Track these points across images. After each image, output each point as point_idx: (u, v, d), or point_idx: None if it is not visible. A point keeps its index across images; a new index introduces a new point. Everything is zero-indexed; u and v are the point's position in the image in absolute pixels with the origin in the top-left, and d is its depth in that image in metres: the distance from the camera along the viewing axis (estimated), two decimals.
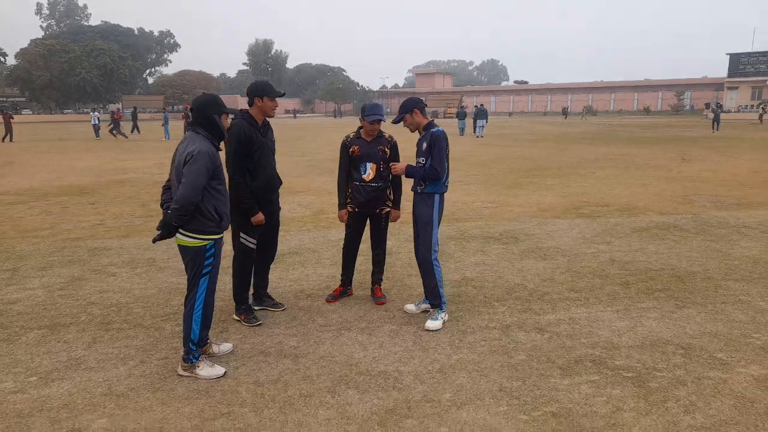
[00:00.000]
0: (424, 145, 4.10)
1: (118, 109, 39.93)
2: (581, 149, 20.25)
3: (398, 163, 4.27)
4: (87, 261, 6.04)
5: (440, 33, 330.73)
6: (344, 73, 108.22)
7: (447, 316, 4.24)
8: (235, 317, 4.32)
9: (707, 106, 67.50)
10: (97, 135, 30.19)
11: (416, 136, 4.34)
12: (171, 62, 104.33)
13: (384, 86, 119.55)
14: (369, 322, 4.28)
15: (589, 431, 2.81)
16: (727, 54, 69.59)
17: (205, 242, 3.33)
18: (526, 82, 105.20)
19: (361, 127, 4.52)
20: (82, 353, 3.77)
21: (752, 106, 51.86)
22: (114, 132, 29.81)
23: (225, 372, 3.44)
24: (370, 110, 4.41)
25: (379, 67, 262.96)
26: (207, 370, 3.42)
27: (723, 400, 3.10)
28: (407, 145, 5.46)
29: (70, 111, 79.44)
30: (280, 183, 4.43)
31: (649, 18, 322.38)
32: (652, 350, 3.74)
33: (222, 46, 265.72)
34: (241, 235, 4.20)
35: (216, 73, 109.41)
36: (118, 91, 78.81)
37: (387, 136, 4.59)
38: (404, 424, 2.91)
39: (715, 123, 32.53)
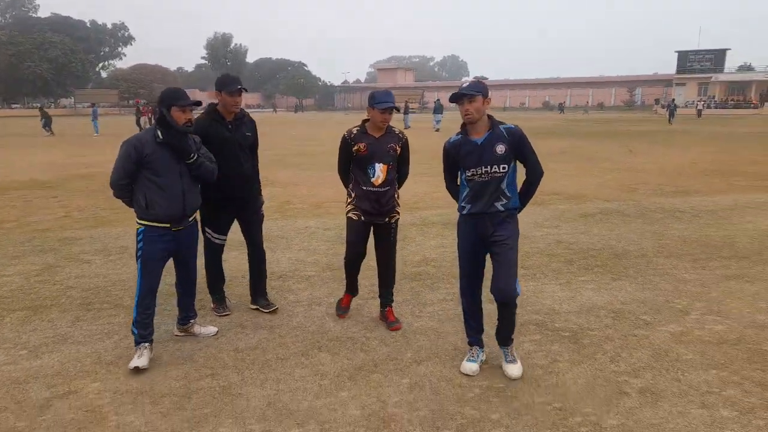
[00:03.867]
0: (500, 147, 3.22)
1: (146, 103, 37.45)
2: (537, 143, 20.96)
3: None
4: (59, 250, 6.19)
5: (401, 27, 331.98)
6: (305, 67, 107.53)
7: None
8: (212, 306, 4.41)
9: (656, 101, 70.57)
10: None
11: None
12: (125, 56, 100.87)
13: (346, 81, 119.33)
14: (338, 297, 4.63)
15: (528, 377, 3.28)
16: (675, 51, 72.73)
17: (138, 226, 3.48)
18: (485, 78, 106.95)
19: (366, 120, 3.90)
20: (67, 330, 4.01)
21: (698, 101, 54.52)
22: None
23: (137, 367, 3.34)
24: (381, 97, 3.77)
25: (340, 62, 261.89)
26: (133, 359, 3.40)
27: (643, 351, 3.63)
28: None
29: (18, 106, 76.19)
30: (251, 179, 4.21)
31: (601, 15, 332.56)
32: (587, 315, 4.25)
33: (179, 39, 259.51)
34: (206, 228, 4.21)
35: (173, 67, 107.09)
36: (70, 86, 76.26)
37: (397, 131, 3.96)
38: (371, 378, 3.31)
39: (671, 118, 36.60)
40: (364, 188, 3.86)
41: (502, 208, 3.26)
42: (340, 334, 3.93)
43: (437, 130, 29.04)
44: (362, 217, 3.92)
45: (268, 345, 3.76)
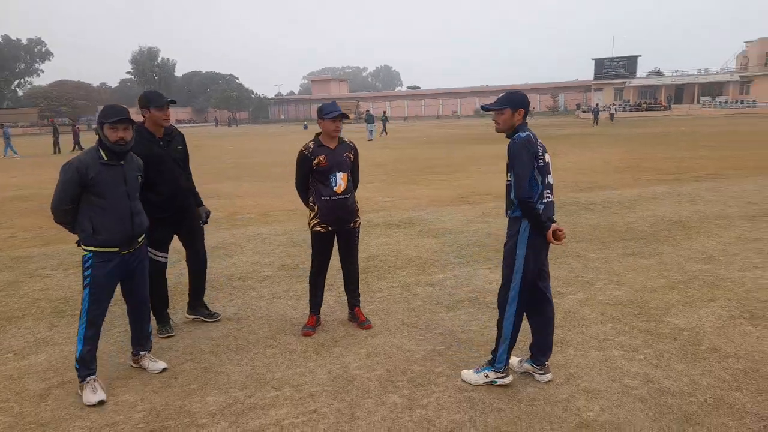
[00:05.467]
0: (508, 158, 3.26)
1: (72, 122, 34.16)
2: (469, 149, 22.29)
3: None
4: (14, 267, 6.34)
5: (334, 39, 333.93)
6: (237, 80, 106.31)
7: (502, 381, 3.34)
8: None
9: (578, 106, 75.03)
10: None
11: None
12: (44, 72, 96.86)
13: (279, 93, 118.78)
14: (296, 292, 5.17)
15: (464, 340, 3.96)
16: (592, 59, 77.66)
17: (84, 252, 3.35)
18: (418, 88, 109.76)
19: (318, 134, 4.12)
20: (46, 334, 4.32)
21: (611, 106, 58.56)
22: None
23: (101, 400, 3.25)
24: (328, 108, 4.04)
25: (271, 74, 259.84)
26: (87, 395, 3.28)
27: (556, 314, 4.38)
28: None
29: None
30: (187, 192, 4.31)
31: (523, 27, 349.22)
32: None
33: (102, 54, 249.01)
34: (149, 249, 4.03)
35: (96, 83, 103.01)
36: None
37: (348, 141, 4.22)
38: (333, 351, 3.88)
39: (595, 120, 42.31)
40: (328, 198, 4.00)
41: (508, 215, 3.39)
42: (302, 320, 4.45)
43: (370, 139, 30.00)
44: (329, 228, 4.09)
45: (238, 333, 4.25)
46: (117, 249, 3.36)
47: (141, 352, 3.69)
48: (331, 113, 4.00)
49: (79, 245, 3.42)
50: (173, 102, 4.15)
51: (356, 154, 4.28)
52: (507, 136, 3.32)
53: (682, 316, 4.29)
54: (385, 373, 3.52)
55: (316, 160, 4.01)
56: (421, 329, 4.20)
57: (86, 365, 3.36)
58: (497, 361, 3.34)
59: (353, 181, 4.28)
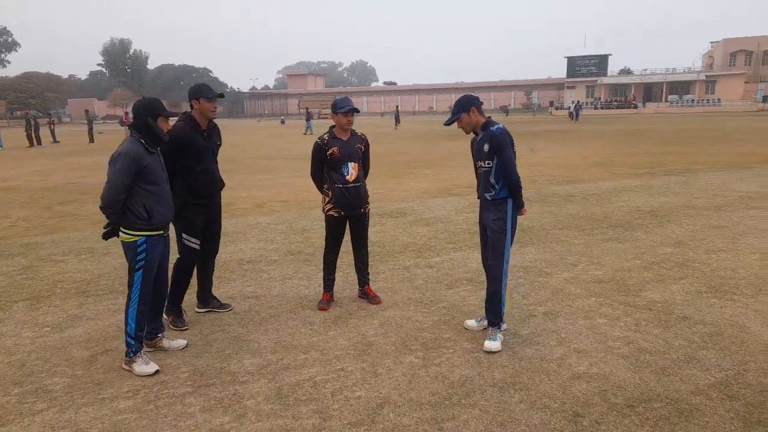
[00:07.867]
0: (486, 147, 3.79)
1: (50, 113, 33.81)
2: (449, 145, 22.81)
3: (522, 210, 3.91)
4: (27, 253, 6.56)
5: (308, 33, 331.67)
6: (210, 74, 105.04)
7: (504, 327, 3.98)
8: (164, 316, 4.16)
9: (551, 104, 76.52)
10: None
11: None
12: (10, 63, 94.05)
13: (254, 87, 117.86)
14: (305, 274, 5.57)
15: (466, 312, 4.42)
16: (565, 57, 79.24)
17: (136, 238, 3.47)
18: (395, 83, 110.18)
19: (333, 127, 4.48)
20: (77, 311, 4.63)
21: (571, 104, 59.72)
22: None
23: (157, 370, 3.51)
24: (341, 103, 4.38)
25: (245, 67, 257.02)
26: (141, 367, 3.51)
27: (544, 291, 4.90)
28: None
29: None
30: (222, 185, 4.48)
31: (497, 24, 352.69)
32: None
33: (70, 46, 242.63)
34: (183, 235, 4.24)
35: (65, 75, 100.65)
36: None
37: (360, 133, 4.59)
38: (349, 322, 4.30)
39: (576, 116, 46.06)
40: (340, 186, 4.41)
41: (489, 198, 3.84)
42: (316, 297, 4.85)
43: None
44: (342, 213, 4.48)
45: (260, 308, 4.63)
46: (162, 231, 3.60)
47: (159, 334, 3.85)
48: (343, 108, 4.38)
49: (106, 237, 3.57)
50: (221, 95, 4.33)
51: (367, 146, 4.66)
52: (478, 131, 3.95)
53: (656, 291, 4.84)
54: (399, 339, 3.96)
55: (329, 151, 4.39)
56: (426, 303, 4.65)
57: (140, 340, 3.59)
58: (503, 320, 3.95)
59: (364, 170, 4.65)
